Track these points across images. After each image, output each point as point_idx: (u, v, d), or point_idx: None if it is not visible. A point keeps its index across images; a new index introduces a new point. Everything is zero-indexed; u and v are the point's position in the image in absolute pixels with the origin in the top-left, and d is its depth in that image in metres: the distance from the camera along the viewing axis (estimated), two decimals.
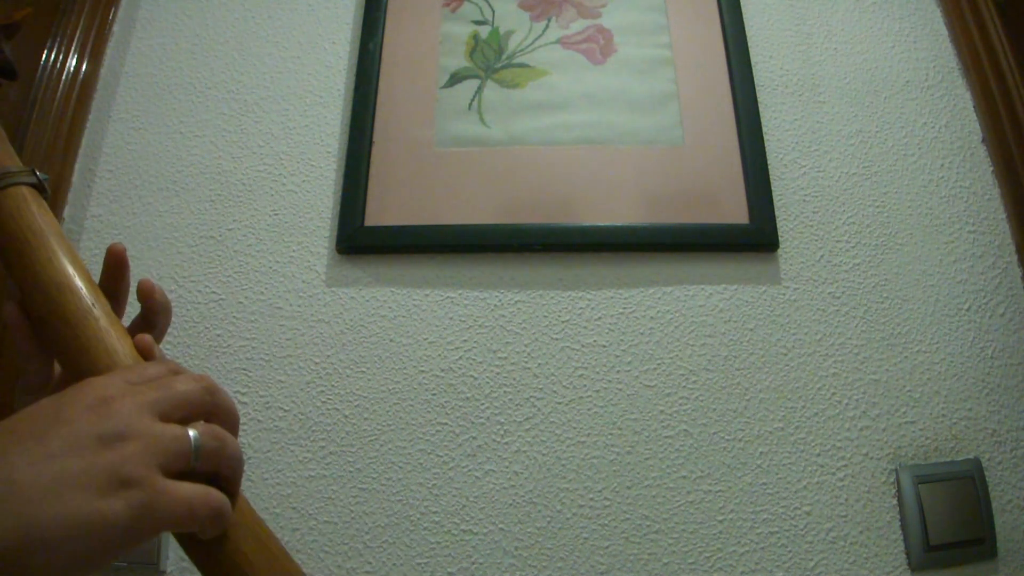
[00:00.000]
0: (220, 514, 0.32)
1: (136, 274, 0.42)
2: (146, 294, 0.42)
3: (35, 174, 0.41)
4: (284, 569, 0.35)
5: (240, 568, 0.34)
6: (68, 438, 0.29)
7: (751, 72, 1.01)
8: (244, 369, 0.90)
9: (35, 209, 0.40)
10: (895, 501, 0.83)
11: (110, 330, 0.38)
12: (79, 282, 0.39)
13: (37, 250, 0.38)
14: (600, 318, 0.91)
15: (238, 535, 0.34)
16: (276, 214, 0.97)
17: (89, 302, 0.38)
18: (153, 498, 0.29)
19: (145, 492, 0.29)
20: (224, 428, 0.35)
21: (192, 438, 0.32)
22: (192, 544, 0.34)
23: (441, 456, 0.85)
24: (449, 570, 0.81)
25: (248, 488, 0.85)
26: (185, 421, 0.33)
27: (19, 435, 0.29)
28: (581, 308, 0.91)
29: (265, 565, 0.34)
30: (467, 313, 0.92)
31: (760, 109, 0.99)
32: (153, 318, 0.42)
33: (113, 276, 0.42)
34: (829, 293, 0.92)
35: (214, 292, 0.94)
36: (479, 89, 1.02)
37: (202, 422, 0.34)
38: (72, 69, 1.01)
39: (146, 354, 0.39)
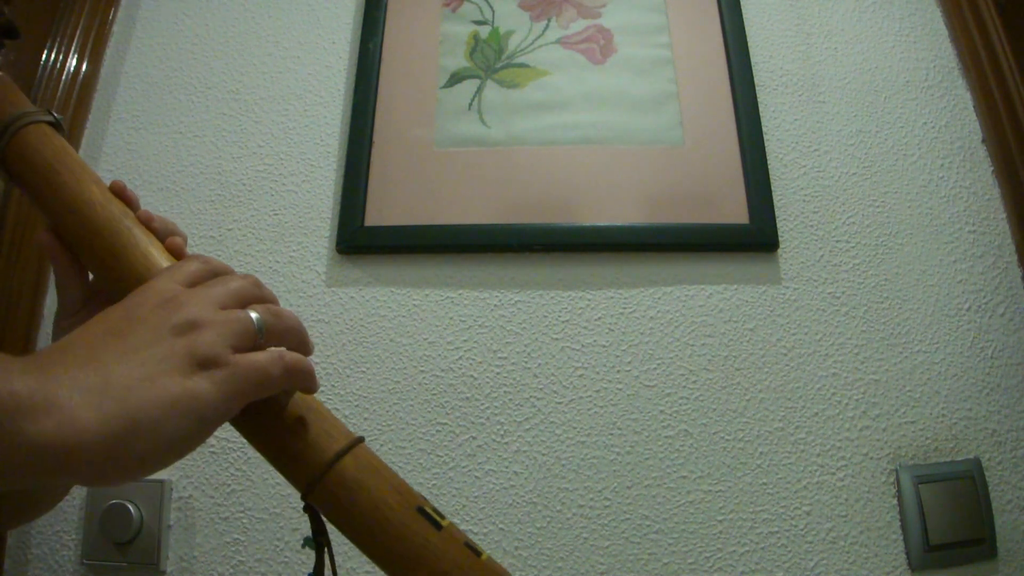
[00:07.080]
0: (295, 368, 0.35)
1: None
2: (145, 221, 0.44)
3: (51, 113, 0.44)
4: (336, 428, 0.38)
5: (295, 433, 0.37)
6: (146, 332, 0.32)
7: (751, 72, 1.01)
8: None
9: (57, 142, 0.42)
10: (895, 501, 0.83)
11: (142, 236, 0.41)
12: (106, 197, 0.42)
13: (64, 175, 0.41)
14: (600, 318, 0.91)
15: (295, 405, 0.38)
16: (276, 214, 0.97)
17: (119, 213, 0.41)
18: (233, 370, 0.33)
19: (225, 367, 0.32)
20: None
21: (254, 318, 0.36)
22: (255, 425, 0.37)
23: (441, 456, 0.85)
24: None
25: (249, 488, 0.85)
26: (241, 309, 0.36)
27: (98, 337, 0.32)
28: (581, 308, 0.91)
29: (318, 426, 0.38)
30: (467, 313, 0.92)
31: (760, 109, 0.99)
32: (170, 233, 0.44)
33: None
34: (829, 293, 0.92)
35: None
36: (479, 89, 1.02)
37: (257, 304, 0.37)
38: (72, 69, 1.01)
39: (178, 255, 0.42)
